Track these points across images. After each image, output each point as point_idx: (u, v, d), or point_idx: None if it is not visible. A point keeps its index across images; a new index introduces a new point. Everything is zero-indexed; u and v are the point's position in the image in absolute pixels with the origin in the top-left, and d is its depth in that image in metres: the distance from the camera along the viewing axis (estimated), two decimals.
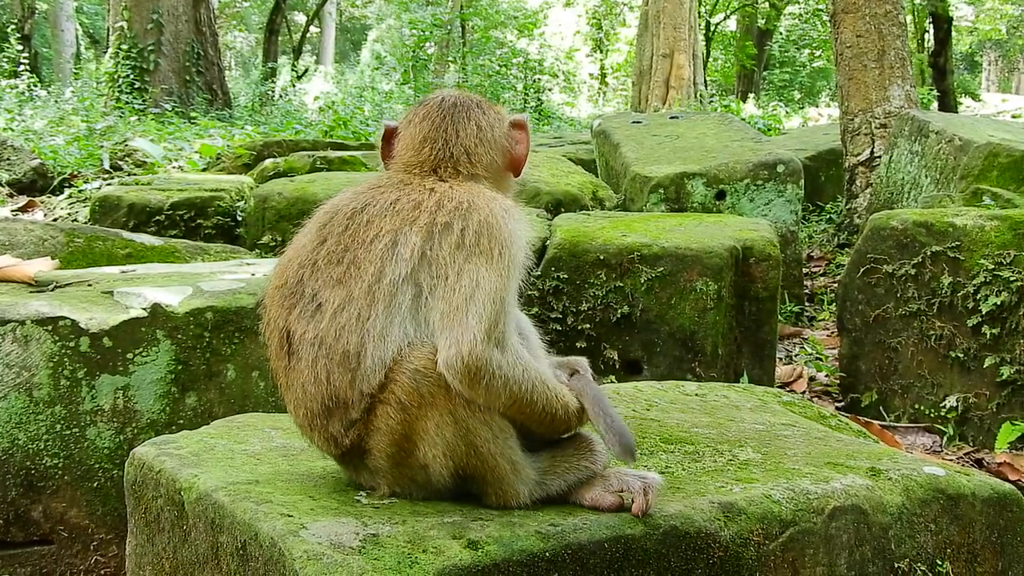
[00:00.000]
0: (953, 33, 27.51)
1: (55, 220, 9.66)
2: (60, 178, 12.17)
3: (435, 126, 2.64)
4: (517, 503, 2.39)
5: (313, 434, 2.44)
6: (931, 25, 26.46)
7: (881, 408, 5.74)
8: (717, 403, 3.65)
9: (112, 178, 11.89)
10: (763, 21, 37.03)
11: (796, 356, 7.21)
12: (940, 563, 2.72)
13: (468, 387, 2.27)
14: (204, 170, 12.01)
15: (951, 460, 5.08)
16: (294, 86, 30.01)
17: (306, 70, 36.22)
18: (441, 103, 2.69)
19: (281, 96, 28.11)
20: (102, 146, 13.96)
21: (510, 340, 2.33)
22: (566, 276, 5.60)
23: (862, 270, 5.79)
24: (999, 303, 5.23)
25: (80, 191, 11.05)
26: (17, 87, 21.58)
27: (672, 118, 10.58)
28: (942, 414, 5.48)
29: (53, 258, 5.20)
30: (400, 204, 2.42)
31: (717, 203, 8.07)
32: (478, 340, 2.24)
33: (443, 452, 2.33)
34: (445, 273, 2.31)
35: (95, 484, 3.93)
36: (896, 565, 2.65)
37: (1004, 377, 5.25)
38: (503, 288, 2.30)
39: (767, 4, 36.39)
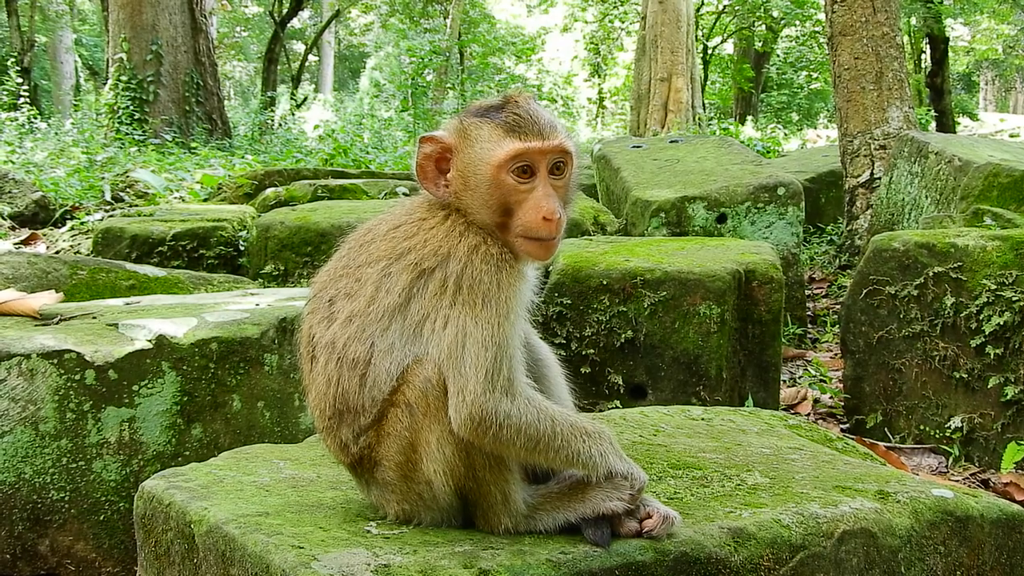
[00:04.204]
0: (950, 53, 27.64)
1: (58, 253, 9.69)
2: (62, 210, 12.21)
3: None
4: (498, 532, 2.40)
5: (327, 439, 2.50)
6: (928, 46, 26.62)
7: (886, 429, 5.73)
8: (723, 427, 3.65)
9: (114, 209, 11.93)
10: (760, 44, 37.21)
11: (800, 378, 7.21)
12: None
13: (474, 436, 2.29)
14: (206, 200, 12.04)
15: (957, 481, 5.07)
16: (293, 115, 30.09)
17: (305, 98, 36.33)
18: None
19: (280, 125, 28.18)
20: (103, 177, 14.01)
21: (518, 385, 2.33)
22: (569, 302, 5.61)
23: (864, 291, 5.79)
24: (1002, 323, 5.23)
25: (82, 223, 11.08)
26: (17, 120, 21.66)
27: (672, 142, 10.62)
28: (947, 435, 5.47)
29: (57, 291, 5.22)
30: (397, 232, 2.46)
31: (718, 226, 8.09)
32: (480, 390, 2.26)
33: (443, 469, 2.35)
34: (433, 317, 2.34)
35: (102, 517, 3.93)
36: None
37: (1008, 397, 5.25)
38: (494, 334, 2.30)
39: (764, 27, 36.56)
